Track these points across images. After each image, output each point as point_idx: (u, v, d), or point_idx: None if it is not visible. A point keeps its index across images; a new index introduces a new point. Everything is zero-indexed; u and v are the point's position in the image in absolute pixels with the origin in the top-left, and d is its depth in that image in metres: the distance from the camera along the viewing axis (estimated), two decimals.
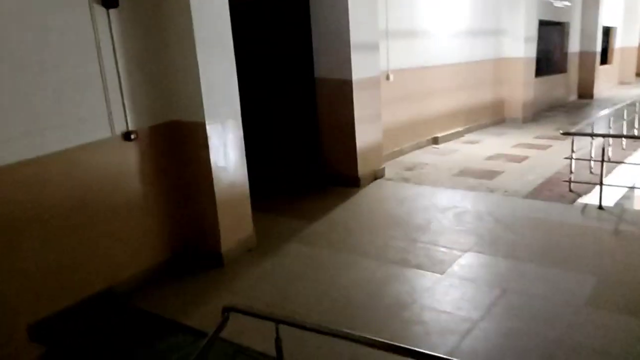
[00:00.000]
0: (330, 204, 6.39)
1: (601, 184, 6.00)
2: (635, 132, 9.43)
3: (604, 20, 16.81)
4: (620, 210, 6.14)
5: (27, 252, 3.77)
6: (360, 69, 6.75)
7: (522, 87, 12.40)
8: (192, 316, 4.04)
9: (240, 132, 4.93)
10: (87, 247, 4.16)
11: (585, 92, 16.49)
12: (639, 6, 20.21)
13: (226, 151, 4.78)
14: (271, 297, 4.31)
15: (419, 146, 9.66)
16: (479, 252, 4.91)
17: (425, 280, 4.46)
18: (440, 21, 9.94)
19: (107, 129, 4.24)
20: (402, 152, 9.14)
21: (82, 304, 4.13)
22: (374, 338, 2.48)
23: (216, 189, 4.71)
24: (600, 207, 5.85)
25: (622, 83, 20.15)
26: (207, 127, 4.57)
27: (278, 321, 2.70)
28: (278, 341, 2.79)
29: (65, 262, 4.00)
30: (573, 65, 15.83)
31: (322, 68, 6.91)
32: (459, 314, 3.88)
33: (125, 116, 4.34)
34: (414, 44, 9.31)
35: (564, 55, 15.30)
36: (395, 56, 8.59)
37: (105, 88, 4.18)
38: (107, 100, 4.20)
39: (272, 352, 2.86)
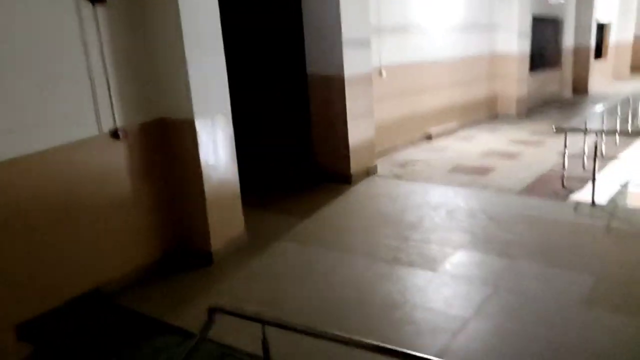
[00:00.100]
0: (321, 201, 6.34)
1: (594, 180, 5.98)
2: (629, 128, 9.42)
3: (599, 15, 16.79)
4: (613, 207, 6.12)
5: (13, 252, 3.71)
6: (353, 64, 6.69)
7: (516, 83, 12.37)
8: (181, 316, 3.99)
9: (230, 129, 4.87)
10: (75, 246, 4.11)
11: (580, 88, 16.47)
12: (634, 1, 20.20)
13: (216, 148, 4.73)
14: (261, 296, 4.27)
15: (412, 143, 9.62)
16: (472, 250, 4.88)
17: (417, 278, 4.42)
18: (433, 17, 9.89)
19: (95, 127, 4.18)
20: (395, 149, 9.09)
21: (70, 304, 4.09)
22: (362, 340, 2.44)
23: (206, 187, 4.66)
24: (593, 204, 5.83)
25: (616, 78, 20.15)
26: (196, 125, 4.51)
27: (264, 322, 2.66)
28: (265, 342, 2.75)
29: (52, 262, 3.95)
30: (567, 60, 15.79)
31: (314, 64, 6.85)
32: (451, 313, 3.85)
33: (113, 113, 4.28)
34: (406, 40, 9.26)
35: (558, 50, 15.26)
36: (388, 52, 8.54)
37: (92, 85, 4.12)
38: (94, 98, 4.14)
39: (261, 352, 2.82)
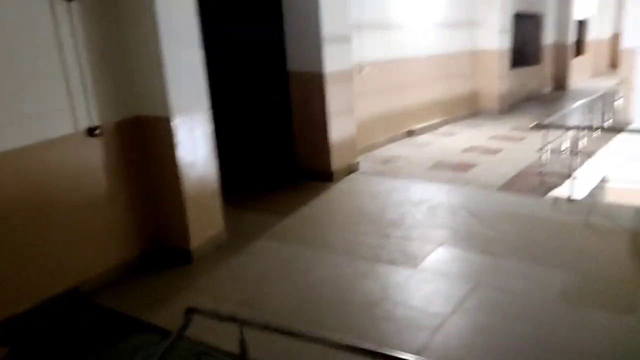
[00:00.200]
0: (302, 199, 6.32)
1: (573, 176, 6.03)
2: (606, 124, 9.53)
3: (578, 12, 16.96)
4: (592, 203, 6.18)
5: None
6: (333, 61, 6.67)
7: (497, 79, 12.45)
8: (159, 315, 3.95)
9: (209, 126, 4.82)
10: (50, 246, 4.04)
11: (560, 84, 16.64)
12: None
13: (194, 146, 4.67)
14: (240, 295, 4.24)
15: (394, 139, 9.62)
16: (453, 247, 4.89)
17: (398, 275, 4.42)
18: (415, 13, 9.89)
19: (70, 125, 4.10)
20: (377, 146, 9.09)
21: (46, 304, 4.02)
22: (340, 340, 2.44)
23: (184, 185, 4.60)
24: (571, 199, 5.88)
25: (595, 75, 20.37)
26: (174, 122, 4.45)
27: (241, 322, 2.63)
28: (243, 342, 2.73)
29: (27, 262, 3.88)
30: (547, 57, 15.94)
31: (295, 60, 6.81)
32: (431, 310, 3.85)
33: (89, 111, 4.20)
34: (388, 37, 9.25)
35: (539, 47, 15.39)
36: (369, 49, 8.53)
37: (67, 82, 4.04)
38: (69, 95, 4.06)
39: (239, 351, 2.80)
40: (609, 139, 9.17)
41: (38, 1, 3.81)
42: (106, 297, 4.26)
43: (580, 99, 9.72)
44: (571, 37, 16.62)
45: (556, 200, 6.04)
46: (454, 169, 7.63)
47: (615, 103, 11.24)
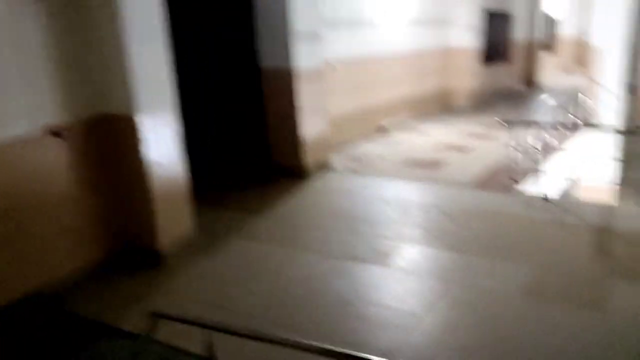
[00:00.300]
0: (275, 197, 6.25)
1: (541, 173, 6.09)
2: (575, 120, 9.64)
3: (548, 10, 17.19)
4: (560, 200, 6.25)
5: None
6: (304, 58, 6.60)
7: (468, 76, 12.56)
8: (126, 318, 3.84)
9: (177, 125, 4.71)
10: (13, 249, 3.90)
11: (530, 80, 16.86)
12: None
13: (161, 144, 4.56)
14: (210, 296, 4.16)
15: (366, 136, 9.62)
16: (425, 245, 4.88)
17: (370, 274, 4.40)
18: (387, 11, 9.89)
19: (31, 125, 3.96)
20: (350, 143, 9.08)
21: (9, 308, 3.88)
22: (310, 343, 2.39)
23: (151, 184, 4.49)
24: (540, 196, 5.93)
25: (565, 71, 20.69)
26: (140, 120, 4.33)
27: (209, 328, 2.57)
28: (211, 347, 2.67)
29: None
30: (518, 54, 16.13)
31: (266, 57, 6.73)
32: (404, 309, 3.83)
33: (51, 110, 4.07)
34: (360, 34, 9.23)
35: (509, 44, 15.57)
36: (342, 45, 8.50)
37: (28, 81, 3.90)
38: (30, 94, 3.92)
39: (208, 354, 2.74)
40: (577, 135, 9.30)
41: None
42: (72, 300, 4.13)
43: (550, 95, 9.84)
44: (541, 35, 16.85)
45: (525, 197, 6.08)
46: (427, 167, 7.66)
47: (583, 100, 11.40)
